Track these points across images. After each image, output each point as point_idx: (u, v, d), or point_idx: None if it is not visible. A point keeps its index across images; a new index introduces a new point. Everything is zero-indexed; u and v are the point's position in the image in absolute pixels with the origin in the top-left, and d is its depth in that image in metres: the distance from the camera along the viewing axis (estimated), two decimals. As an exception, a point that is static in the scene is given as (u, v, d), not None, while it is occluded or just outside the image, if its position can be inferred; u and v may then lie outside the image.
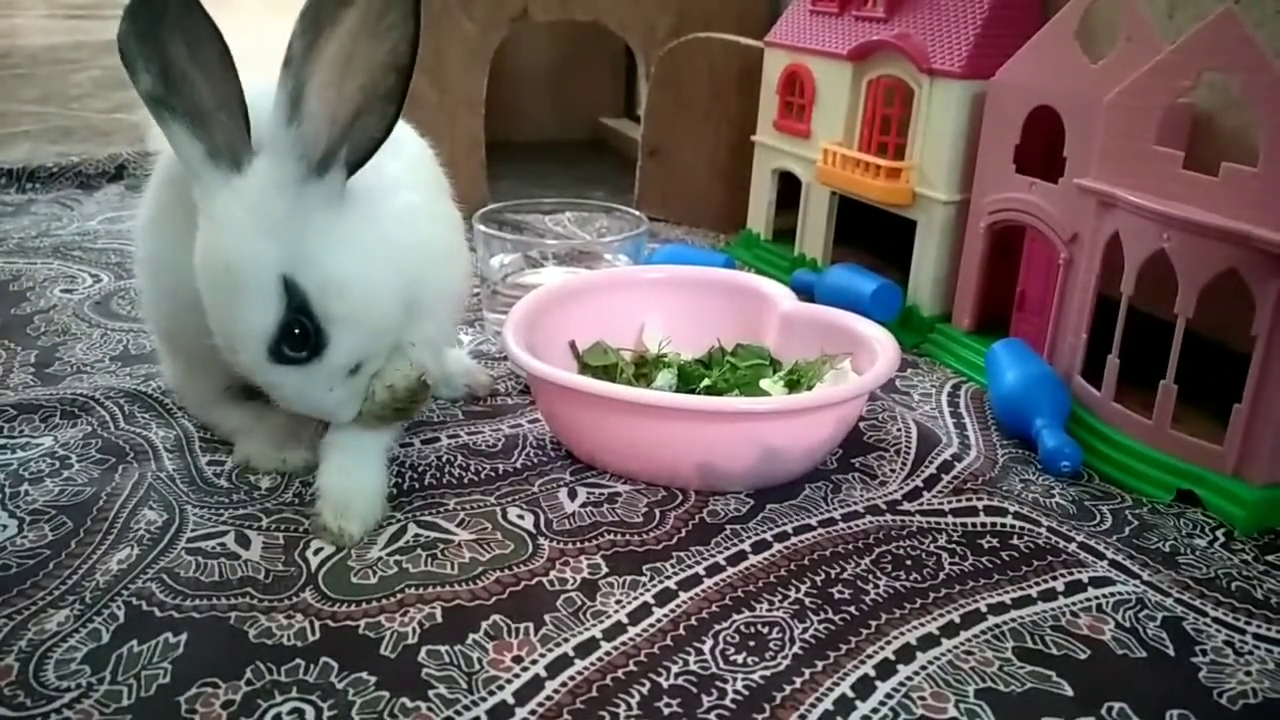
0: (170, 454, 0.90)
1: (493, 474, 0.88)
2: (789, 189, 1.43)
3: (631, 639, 0.68)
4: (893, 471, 0.91)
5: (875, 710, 0.63)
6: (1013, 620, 0.72)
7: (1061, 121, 1.02)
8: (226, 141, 0.70)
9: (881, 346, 0.92)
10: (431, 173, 0.91)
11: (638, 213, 1.27)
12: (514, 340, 0.90)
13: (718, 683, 0.64)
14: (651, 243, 1.40)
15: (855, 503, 0.86)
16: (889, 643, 0.69)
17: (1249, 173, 0.83)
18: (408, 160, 0.85)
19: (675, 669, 0.65)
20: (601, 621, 0.70)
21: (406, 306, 0.77)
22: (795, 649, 0.68)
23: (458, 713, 0.61)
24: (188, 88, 0.69)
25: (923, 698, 0.64)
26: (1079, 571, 0.77)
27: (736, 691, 0.64)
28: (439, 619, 0.69)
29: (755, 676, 0.65)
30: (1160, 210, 0.87)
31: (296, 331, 0.71)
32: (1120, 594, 0.75)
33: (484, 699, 0.62)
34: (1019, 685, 0.65)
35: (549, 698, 0.63)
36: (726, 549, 0.79)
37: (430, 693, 0.62)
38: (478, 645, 0.67)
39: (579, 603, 0.72)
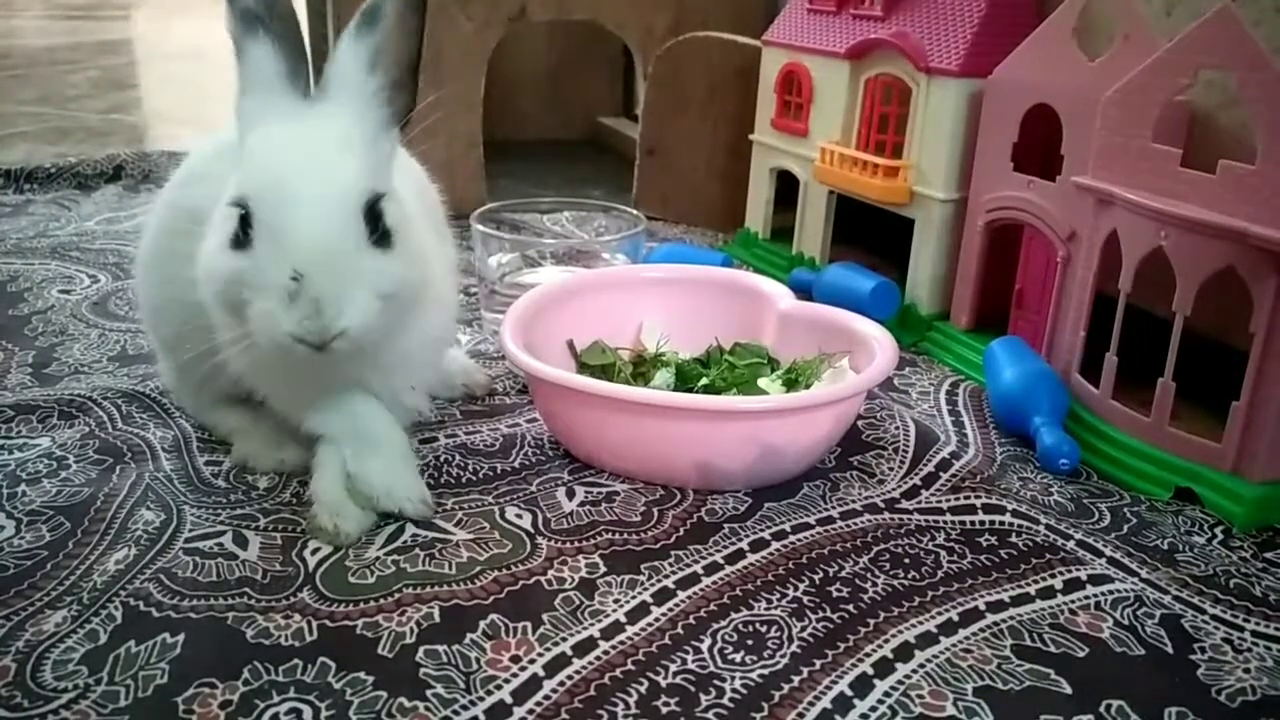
0: (168, 454, 0.90)
1: (491, 473, 0.88)
2: (787, 188, 1.43)
3: (629, 638, 0.68)
4: (891, 470, 0.91)
5: (874, 708, 0.62)
6: (1011, 618, 0.71)
7: (1059, 119, 1.02)
8: (300, 68, 0.74)
9: (879, 345, 0.91)
10: (438, 215, 0.97)
11: (635, 212, 1.27)
12: (512, 340, 0.90)
13: (716, 681, 0.64)
14: (649, 242, 1.40)
15: (853, 501, 0.86)
16: (887, 641, 0.69)
17: (1246, 170, 0.83)
18: (423, 206, 0.90)
19: (673, 668, 0.65)
20: (600, 621, 0.70)
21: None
22: (793, 647, 0.68)
23: (455, 712, 0.61)
24: (279, 11, 0.74)
25: (921, 696, 0.64)
26: (1077, 569, 0.77)
27: (735, 690, 0.64)
28: (437, 619, 0.69)
29: (753, 675, 0.65)
30: (1158, 208, 0.87)
31: (377, 216, 0.73)
32: (1119, 591, 0.75)
33: (482, 698, 0.62)
34: (1017, 683, 0.65)
35: (547, 697, 0.62)
36: (725, 548, 0.79)
37: (428, 692, 0.62)
38: (476, 645, 0.67)
39: (577, 602, 0.72)
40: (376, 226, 0.72)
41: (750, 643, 0.68)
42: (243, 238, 0.71)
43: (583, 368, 1.01)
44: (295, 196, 0.70)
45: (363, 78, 0.75)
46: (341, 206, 0.71)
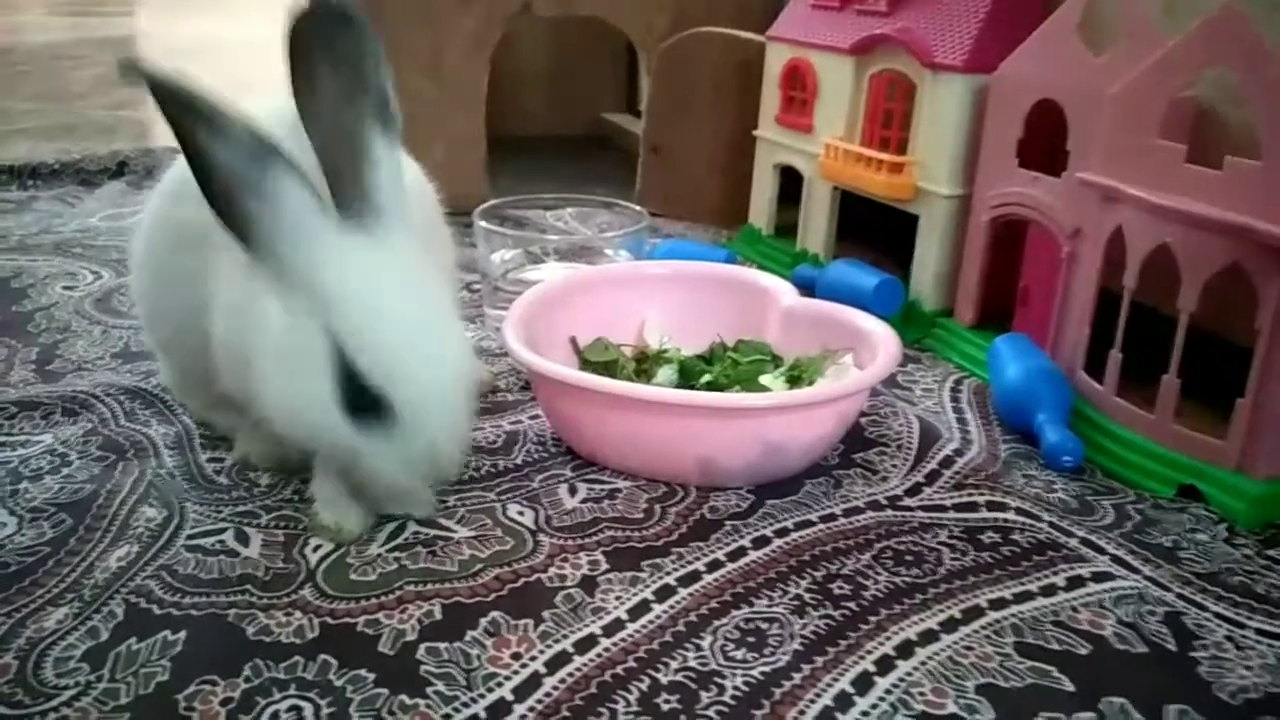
0: (170, 451, 0.90)
1: (493, 470, 0.88)
2: (791, 184, 1.43)
3: (631, 635, 0.68)
4: (894, 467, 0.91)
5: (875, 705, 0.62)
6: (1013, 615, 0.71)
7: (1064, 115, 1.02)
8: (353, 189, 0.71)
9: (883, 342, 0.91)
10: (435, 215, 0.95)
11: (639, 208, 1.27)
12: (514, 336, 0.90)
13: (717, 679, 0.64)
14: (653, 238, 1.40)
15: (856, 498, 0.86)
16: (889, 638, 0.68)
17: (1252, 167, 0.82)
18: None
19: (675, 665, 0.65)
20: (601, 618, 0.69)
21: None
22: (795, 645, 0.68)
23: (456, 709, 0.61)
24: (339, 113, 0.71)
25: (923, 693, 0.64)
26: (1080, 567, 0.77)
27: (736, 688, 0.63)
28: (438, 616, 0.69)
29: (755, 672, 0.65)
30: (1163, 204, 0.87)
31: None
32: (1121, 589, 0.75)
33: (483, 695, 0.62)
34: (1019, 681, 0.65)
35: (548, 694, 0.62)
36: (727, 545, 0.78)
37: (429, 690, 0.62)
38: (477, 642, 0.67)
39: (578, 599, 0.71)
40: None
41: (752, 640, 0.68)
42: (360, 402, 0.69)
43: (585, 364, 1.01)
44: (431, 394, 0.70)
45: (398, 184, 0.73)
46: (466, 370, 0.73)
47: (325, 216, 0.69)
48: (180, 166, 0.84)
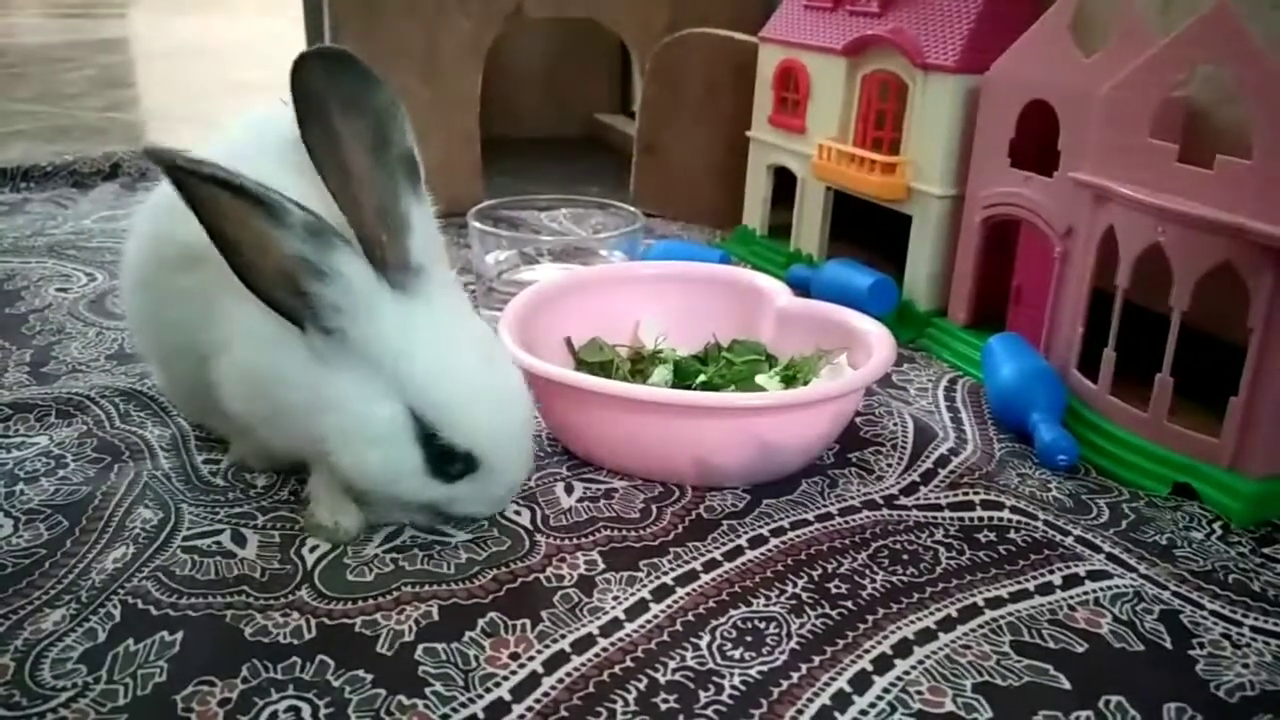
0: (166, 452, 0.90)
1: (489, 471, 0.88)
2: (784, 184, 1.43)
3: (628, 635, 0.68)
4: (889, 466, 0.91)
5: (873, 705, 0.63)
6: (1010, 614, 0.72)
7: (1056, 115, 1.02)
8: (399, 254, 0.72)
9: (877, 341, 0.92)
10: None
11: (633, 209, 1.27)
12: (509, 337, 0.90)
13: (715, 678, 0.64)
14: (647, 239, 1.40)
15: (852, 498, 0.86)
16: (886, 637, 0.69)
17: (1243, 166, 0.83)
18: None
19: (672, 665, 0.65)
20: (598, 618, 0.70)
21: None
22: (792, 644, 0.68)
23: (454, 710, 0.61)
24: (368, 174, 0.73)
25: (920, 692, 0.64)
26: (1076, 565, 0.77)
27: (733, 687, 0.64)
28: (435, 616, 0.69)
29: (752, 672, 0.65)
30: (1155, 203, 0.87)
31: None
32: (1117, 587, 0.75)
33: (481, 696, 0.62)
34: (1016, 679, 0.65)
35: (546, 694, 0.62)
36: (723, 544, 0.79)
37: (427, 690, 0.62)
38: (474, 643, 0.67)
39: (576, 599, 0.72)
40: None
41: (749, 639, 0.68)
42: (448, 463, 0.73)
43: (580, 365, 1.01)
44: (511, 438, 0.75)
45: (433, 238, 0.75)
46: (528, 402, 0.78)
47: (381, 288, 0.70)
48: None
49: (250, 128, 0.84)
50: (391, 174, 0.73)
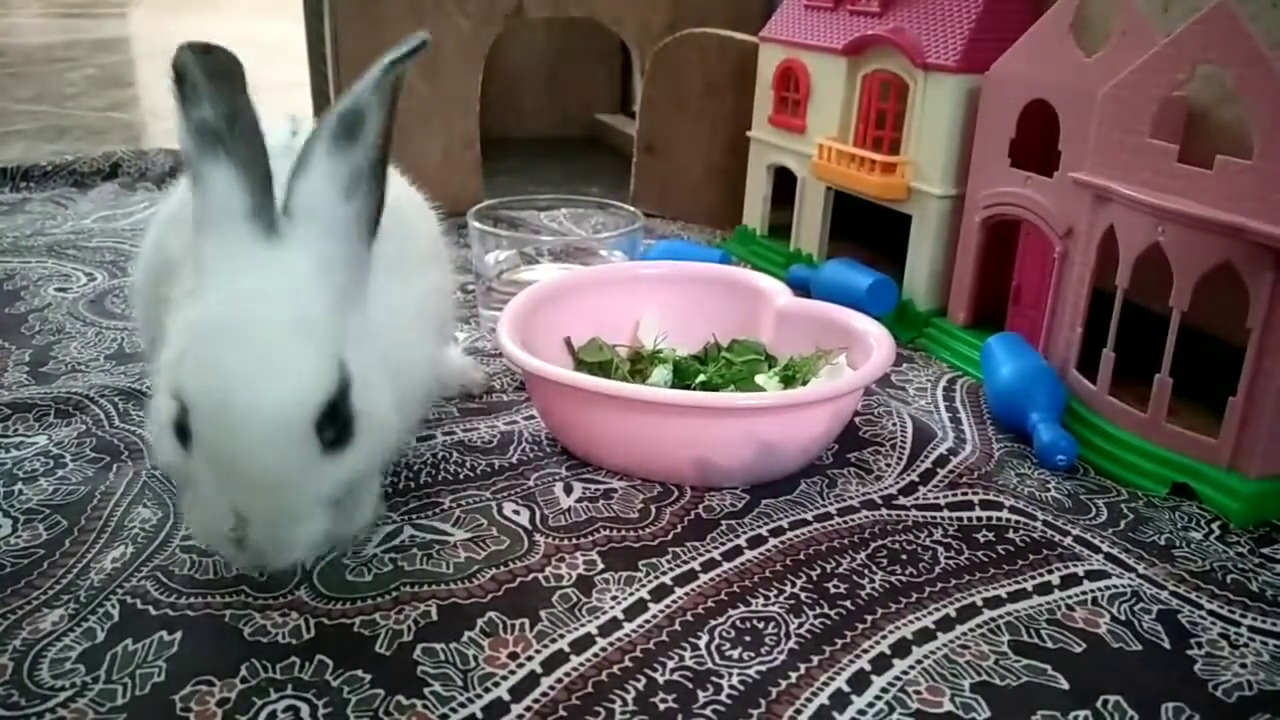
0: (165, 452, 0.89)
1: (488, 470, 0.88)
2: (785, 184, 1.43)
3: (627, 635, 0.68)
4: (888, 466, 0.91)
5: (871, 704, 0.63)
6: (1008, 614, 0.72)
7: (1056, 115, 1.02)
8: (266, 200, 0.62)
9: (877, 341, 0.92)
10: (434, 248, 0.89)
11: (633, 209, 1.27)
12: (509, 337, 0.90)
13: (713, 678, 0.64)
14: (647, 239, 1.40)
15: (851, 497, 0.86)
16: (885, 637, 0.69)
17: (1243, 165, 0.83)
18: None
19: (671, 664, 0.65)
20: (597, 617, 0.70)
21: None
22: (791, 644, 0.68)
23: (453, 710, 0.61)
24: (243, 129, 0.62)
25: (918, 692, 0.64)
26: (1074, 565, 0.77)
27: (732, 687, 0.64)
28: (434, 616, 0.69)
29: (751, 672, 0.65)
30: (1155, 203, 0.87)
31: (338, 414, 0.62)
32: (1116, 587, 0.75)
33: (479, 696, 0.62)
34: (1014, 679, 0.65)
35: (545, 694, 0.62)
36: (722, 544, 0.79)
37: (426, 690, 0.62)
38: (473, 643, 0.67)
39: (575, 599, 0.72)
40: (335, 427, 0.61)
41: (748, 639, 0.68)
42: (184, 432, 0.61)
43: (580, 365, 1.01)
44: (240, 422, 0.58)
45: (338, 206, 0.64)
46: (293, 432, 0.59)
47: (249, 225, 0.62)
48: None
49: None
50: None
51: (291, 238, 0.62)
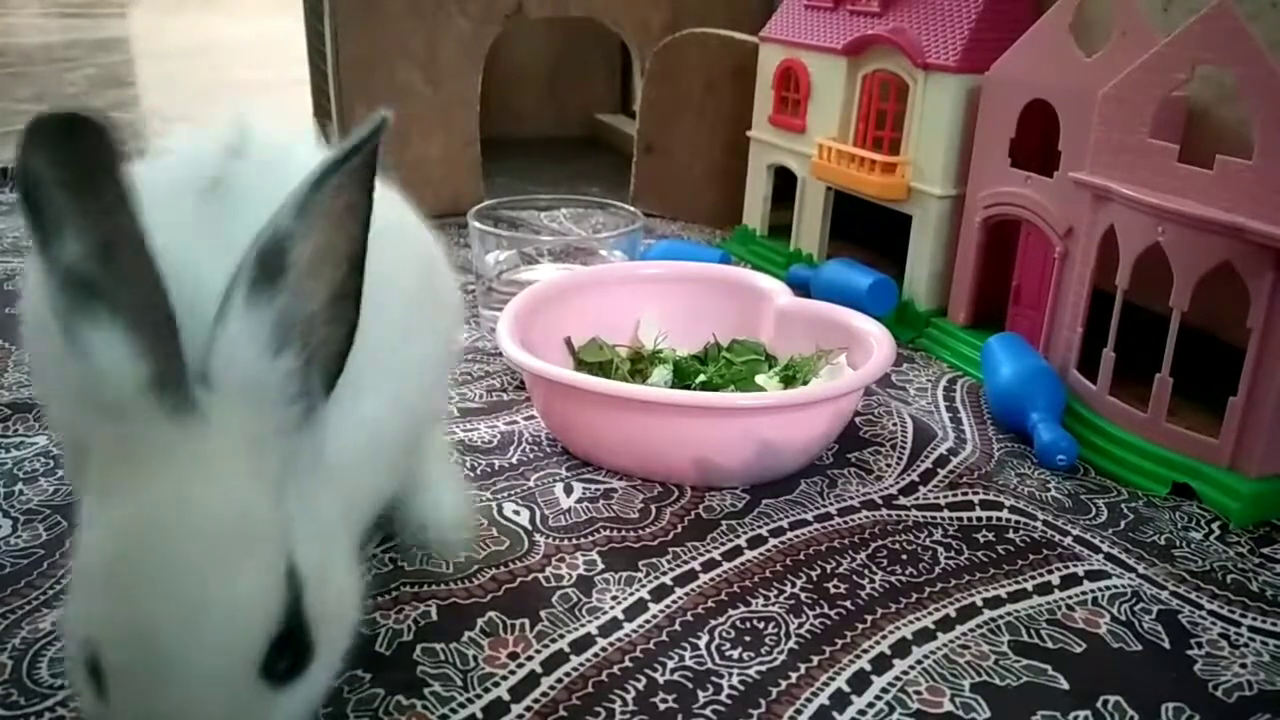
0: (165, 452, 0.89)
1: (489, 469, 0.88)
2: (785, 184, 1.43)
3: (627, 635, 0.68)
4: (888, 466, 0.91)
5: (871, 705, 0.63)
6: (1008, 614, 0.72)
7: (1056, 115, 1.02)
8: (170, 364, 0.45)
9: (877, 341, 0.92)
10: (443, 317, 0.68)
11: (633, 209, 1.27)
12: (509, 337, 0.90)
13: (713, 678, 0.64)
14: (647, 239, 1.40)
15: (851, 498, 0.86)
16: (885, 637, 0.69)
17: (1243, 165, 0.83)
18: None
19: (671, 664, 0.65)
20: (597, 618, 0.70)
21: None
22: (791, 644, 0.68)
23: (453, 710, 0.61)
24: (126, 263, 0.44)
25: (918, 692, 0.64)
26: (1075, 565, 0.77)
27: (732, 687, 0.64)
28: (434, 617, 0.69)
29: (751, 672, 0.65)
30: (1155, 203, 0.87)
31: (292, 640, 0.46)
32: (1116, 587, 0.75)
33: (479, 696, 0.62)
34: (1015, 679, 0.65)
35: (545, 694, 0.62)
36: (722, 544, 0.79)
37: (426, 690, 0.62)
38: (473, 643, 0.67)
39: (575, 599, 0.72)
40: (289, 655, 0.46)
41: (748, 639, 0.68)
42: (97, 674, 0.44)
43: (580, 365, 1.01)
44: (168, 677, 0.43)
45: (264, 366, 0.47)
46: (236, 681, 0.45)
47: (150, 403, 0.45)
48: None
49: (167, 167, 0.59)
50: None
51: (212, 414, 0.46)
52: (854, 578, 0.75)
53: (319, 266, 0.48)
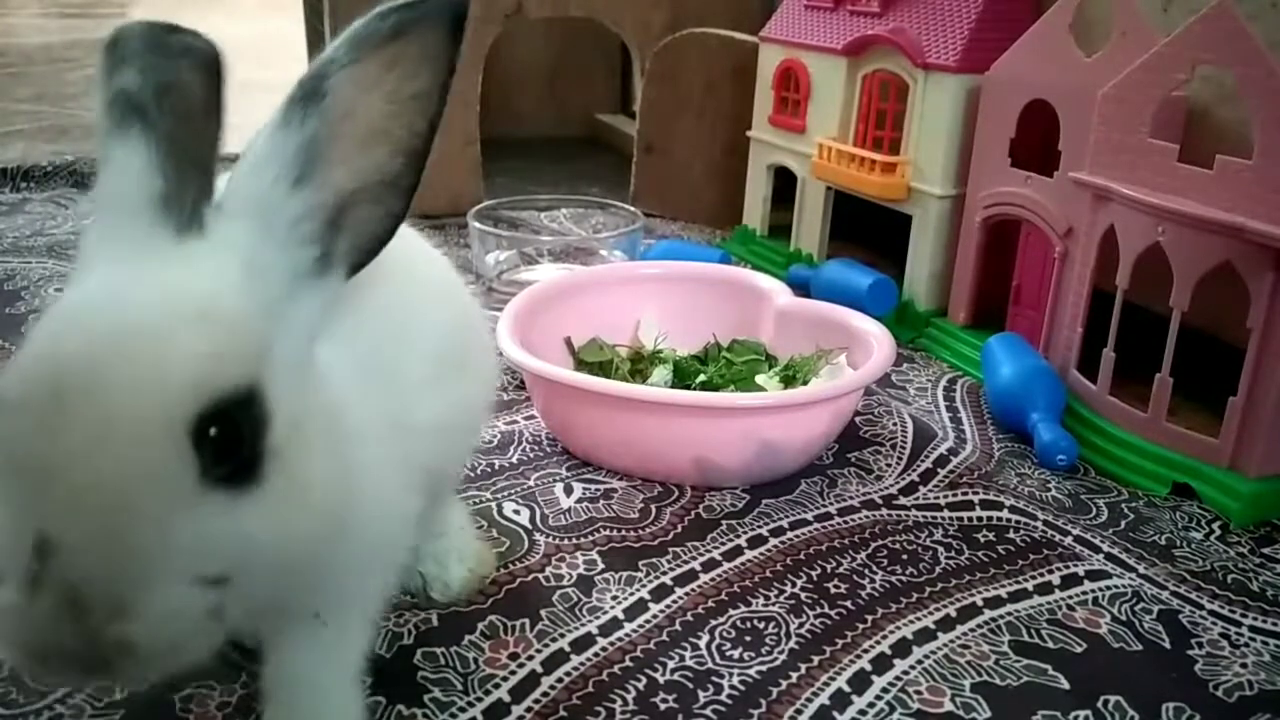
0: (165, 452, 0.89)
1: (489, 469, 0.88)
2: (785, 184, 1.43)
3: (628, 635, 0.68)
4: (888, 466, 0.91)
5: (871, 704, 0.63)
6: (1009, 614, 0.71)
7: (1056, 115, 1.02)
8: (186, 188, 0.46)
9: (877, 341, 0.92)
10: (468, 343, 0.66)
11: (633, 209, 1.27)
12: (510, 337, 0.90)
13: (714, 678, 0.64)
14: (647, 239, 1.40)
15: (851, 497, 0.86)
16: (885, 637, 0.69)
17: (1243, 165, 0.82)
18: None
19: (671, 664, 0.65)
20: (598, 617, 0.70)
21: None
22: (791, 644, 0.68)
23: (453, 714, 0.61)
24: (178, 106, 0.47)
25: (919, 691, 0.64)
26: (1075, 565, 0.77)
27: (732, 686, 0.64)
28: (434, 621, 0.69)
29: (751, 671, 0.65)
30: (1155, 203, 0.87)
31: (234, 429, 0.41)
32: (1116, 587, 0.75)
33: (480, 698, 0.62)
34: (1015, 679, 0.65)
35: (545, 694, 0.62)
36: (722, 544, 0.79)
37: (426, 697, 0.62)
38: (474, 645, 0.67)
39: (575, 599, 0.72)
40: (227, 452, 0.41)
41: (748, 639, 0.68)
42: None
43: (580, 365, 1.01)
44: (67, 404, 0.39)
45: (282, 195, 0.46)
46: (154, 426, 0.39)
47: (155, 216, 0.46)
48: None
49: None
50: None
51: (215, 235, 0.46)
52: (854, 577, 0.75)
53: (372, 146, 0.48)
